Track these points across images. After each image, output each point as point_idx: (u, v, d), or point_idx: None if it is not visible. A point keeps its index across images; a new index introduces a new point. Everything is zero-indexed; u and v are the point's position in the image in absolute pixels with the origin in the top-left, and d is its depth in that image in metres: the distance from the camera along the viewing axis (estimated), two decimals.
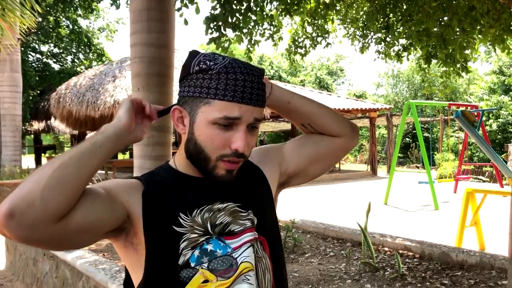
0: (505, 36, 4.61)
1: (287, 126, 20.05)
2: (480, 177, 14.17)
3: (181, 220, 0.91)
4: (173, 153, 1.24)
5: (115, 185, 0.92)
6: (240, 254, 0.93)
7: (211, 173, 0.93)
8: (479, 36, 4.88)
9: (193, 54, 0.95)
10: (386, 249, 4.58)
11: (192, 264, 0.89)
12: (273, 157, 1.13)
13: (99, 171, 14.13)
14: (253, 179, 1.06)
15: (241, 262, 0.93)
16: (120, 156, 23.27)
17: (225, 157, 0.91)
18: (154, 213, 0.91)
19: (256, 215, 1.00)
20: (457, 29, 4.64)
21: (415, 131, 14.90)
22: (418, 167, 18.75)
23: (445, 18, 4.70)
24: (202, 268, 0.89)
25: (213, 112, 0.89)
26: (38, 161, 19.00)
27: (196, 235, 0.91)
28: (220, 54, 0.97)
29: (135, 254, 0.91)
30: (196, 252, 0.90)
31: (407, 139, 24.19)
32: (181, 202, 0.94)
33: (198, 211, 0.93)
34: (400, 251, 4.42)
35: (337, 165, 17.75)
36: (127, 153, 23.25)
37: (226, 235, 0.94)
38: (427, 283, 3.58)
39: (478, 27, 4.60)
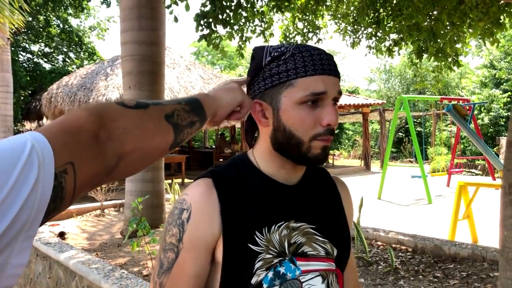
0: (494, 30, 4.64)
1: None
2: (473, 170, 14.27)
3: (257, 239, 0.88)
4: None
5: (196, 236, 0.88)
6: (307, 280, 0.90)
7: (305, 155, 0.89)
8: (469, 30, 4.91)
9: (260, 48, 0.94)
10: (379, 243, 4.61)
11: (265, 286, 0.87)
12: (350, 215, 1.09)
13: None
14: (334, 205, 1.03)
15: None
16: None
17: (318, 136, 0.88)
18: (233, 230, 0.88)
19: (337, 245, 0.97)
20: (447, 23, 4.65)
21: (407, 126, 14.97)
22: (411, 162, 18.85)
23: (435, 12, 4.72)
24: None
25: (298, 92, 0.86)
26: None
27: (270, 256, 0.88)
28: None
29: (213, 267, 0.90)
30: (270, 274, 0.87)
31: (400, 133, 24.31)
32: (259, 216, 0.90)
33: (276, 227, 0.90)
34: (393, 245, 4.44)
35: (330, 161, 17.82)
36: None
37: (299, 256, 0.91)
38: (420, 276, 3.61)
39: (468, 21, 4.62)
